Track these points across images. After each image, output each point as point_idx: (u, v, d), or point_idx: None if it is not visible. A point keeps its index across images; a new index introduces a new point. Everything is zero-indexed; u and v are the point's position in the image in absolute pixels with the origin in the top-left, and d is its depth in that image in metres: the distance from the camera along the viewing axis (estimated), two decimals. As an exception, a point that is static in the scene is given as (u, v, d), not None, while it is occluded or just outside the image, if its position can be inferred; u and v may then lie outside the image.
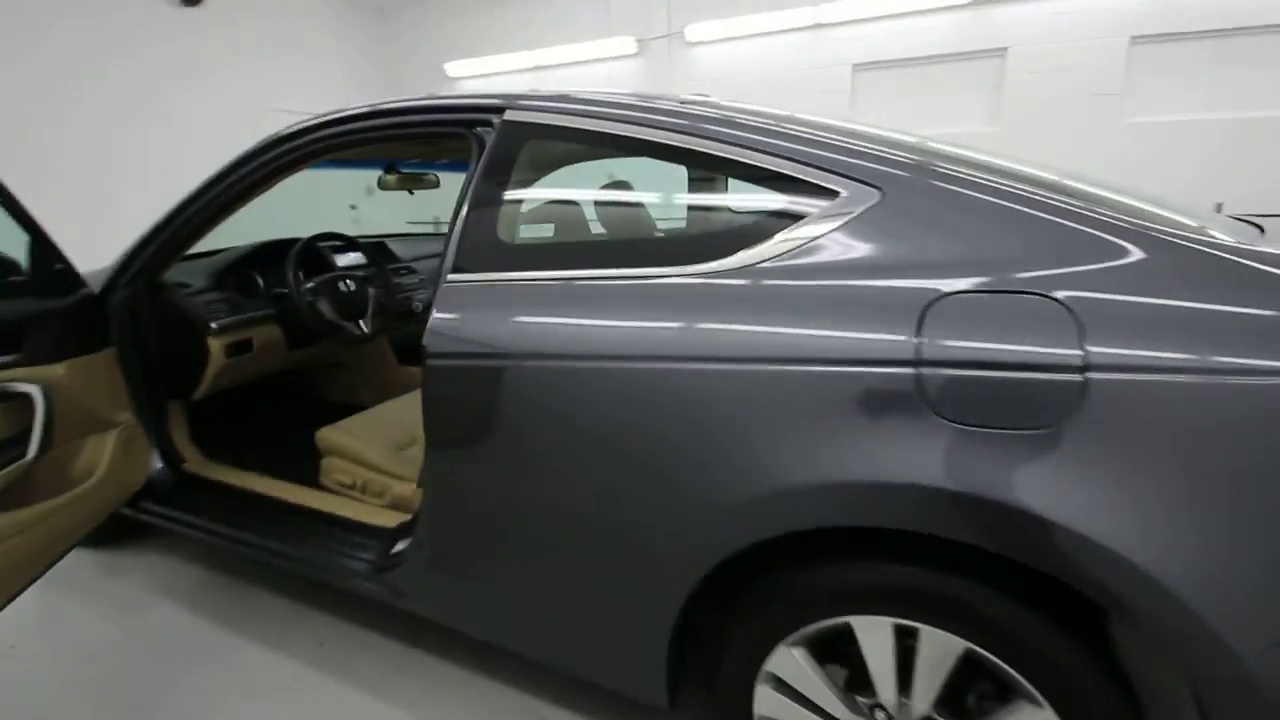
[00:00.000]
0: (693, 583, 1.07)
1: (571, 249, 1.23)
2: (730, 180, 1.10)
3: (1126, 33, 4.63)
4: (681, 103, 1.23)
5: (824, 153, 1.06)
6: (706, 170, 1.13)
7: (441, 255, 1.32)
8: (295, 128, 1.61)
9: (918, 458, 0.88)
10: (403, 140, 1.57)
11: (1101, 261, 0.88)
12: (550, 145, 1.28)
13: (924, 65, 5.19)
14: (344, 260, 2.40)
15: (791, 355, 0.95)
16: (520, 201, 1.30)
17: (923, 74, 5.23)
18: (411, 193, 2.35)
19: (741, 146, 1.09)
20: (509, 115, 1.31)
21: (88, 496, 1.59)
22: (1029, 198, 0.96)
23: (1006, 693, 0.96)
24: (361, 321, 2.15)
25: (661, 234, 1.27)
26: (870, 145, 1.07)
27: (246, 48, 5.87)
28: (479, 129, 1.36)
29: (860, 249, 0.99)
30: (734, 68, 5.69)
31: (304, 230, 2.31)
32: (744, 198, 1.10)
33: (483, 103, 1.36)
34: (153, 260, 1.84)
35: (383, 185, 2.29)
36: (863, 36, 5.28)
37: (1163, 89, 4.63)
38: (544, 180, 1.42)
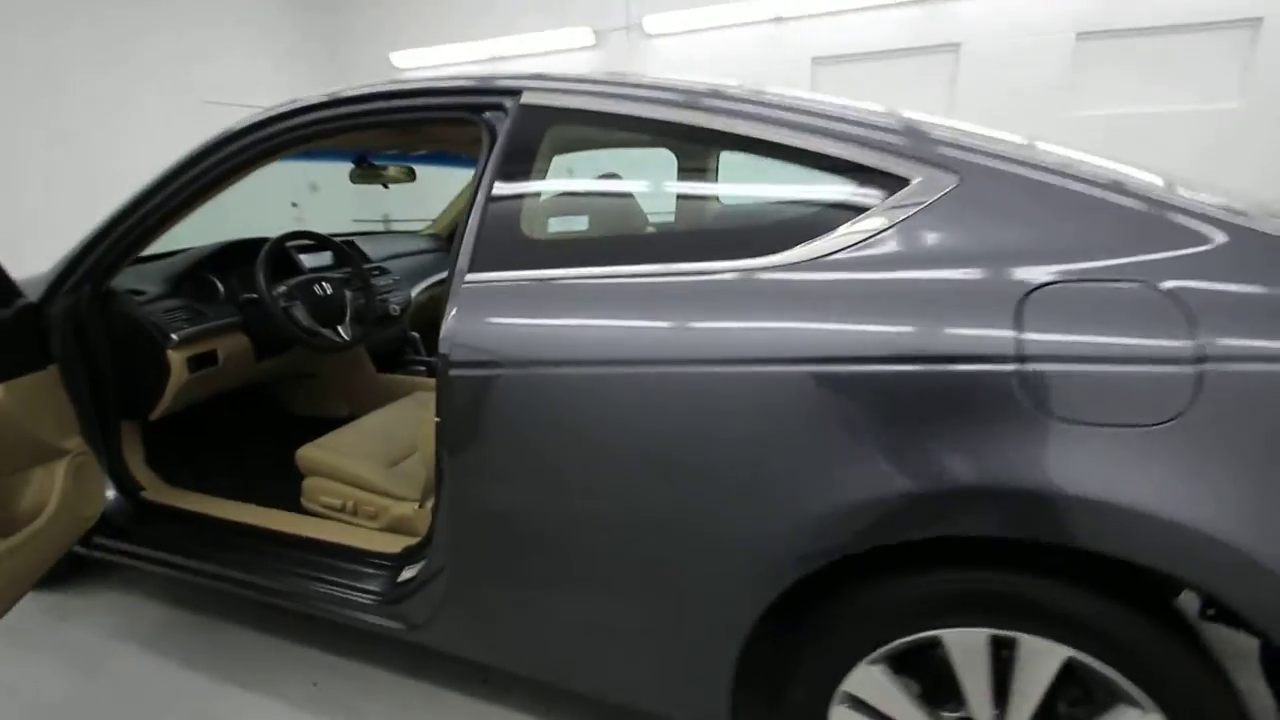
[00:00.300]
0: (766, 603, 0.98)
1: (609, 243, 1.12)
2: (788, 167, 1.01)
3: (1073, 29, 4.80)
4: (720, 86, 1.13)
5: (892, 137, 0.99)
6: (761, 157, 1.04)
7: (454, 253, 1.19)
8: (272, 113, 1.44)
9: (1027, 460, 0.82)
10: (398, 127, 1.42)
11: (1192, 247, 0.84)
12: (577, 130, 1.17)
13: (882, 59, 5.26)
14: (311, 262, 2.21)
15: (876, 354, 0.88)
16: (547, 192, 1.18)
17: (881, 68, 5.30)
18: (386, 186, 2.18)
19: (801, 131, 1.01)
20: (527, 98, 1.19)
21: (38, 537, 1.38)
22: (1108, 183, 0.91)
23: (1098, 698, 0.92)
24: (340, 327, 1.98)
25: (710, 227, 1.17)
26: (938, 129, 1.01)
27: (173, 29, 5.45)
28: (489, 114, 1.24)
29: (938, 238, 0.92)
30: (694, 61, 5.64)
31: (238, 230, 2.10)
32: (805, 186, 1.02)
33: (494, 84, 1.24)
34: (100, 264, 1.63)
35: (354, 179, 2.11)
36: (822, 30, 5.32)
37: (1108, 83, 4.82)
38: (571, 169, 1.31)
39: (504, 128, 1.20)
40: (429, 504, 1.57)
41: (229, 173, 1.51)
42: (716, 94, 1.08)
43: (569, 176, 1.28)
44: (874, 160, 0.98)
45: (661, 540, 1.02)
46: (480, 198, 1.18)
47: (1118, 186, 0.91)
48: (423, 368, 2.35)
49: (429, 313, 2.62)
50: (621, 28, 5.83)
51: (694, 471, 0.97)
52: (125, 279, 1.75)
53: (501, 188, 1.17)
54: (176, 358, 1.70)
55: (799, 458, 0.92)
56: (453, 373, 1.11)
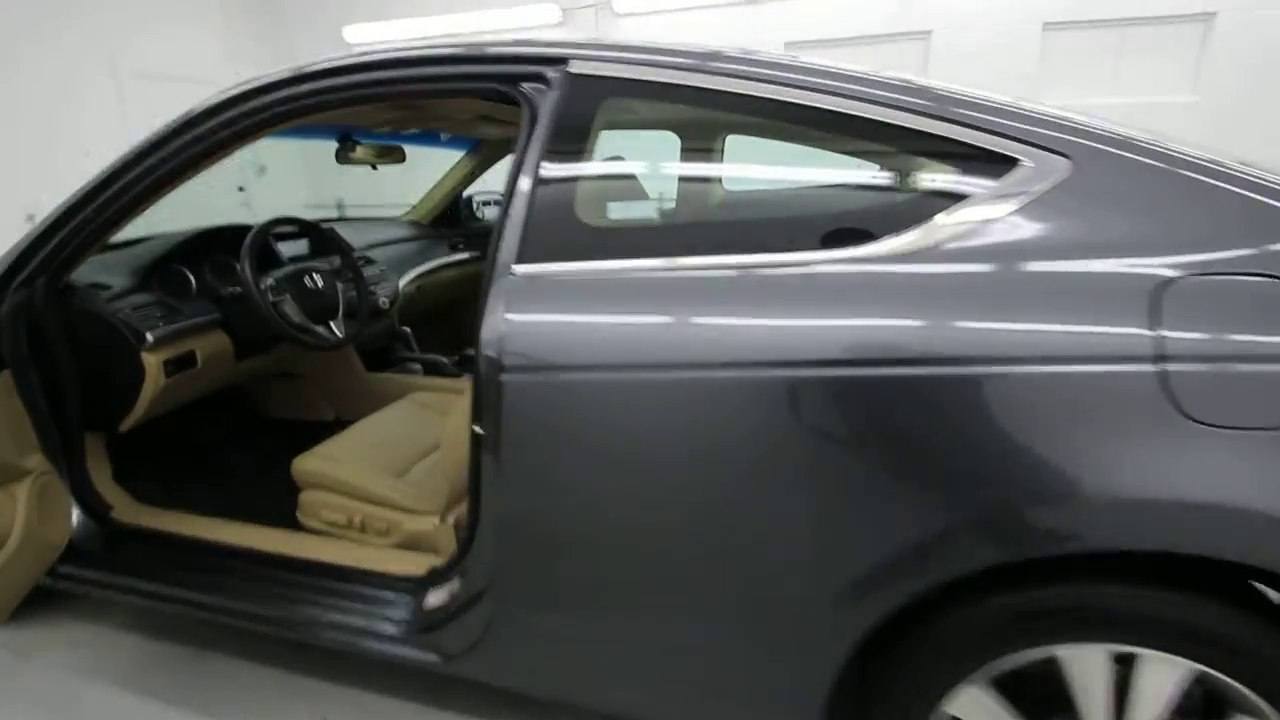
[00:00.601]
0: (873, 621, 0.91)
1: (683, 231, 1.02)
2: (885, 148, 0.93)
3: (1040, 19, 4.88)
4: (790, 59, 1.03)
5: (999, 118, 0.91)
6: (853, 137, 0.96)
7: (494, 242, 1.06)
8: (266, 82, 1.27)
9: (1174, 468, 0.76)
10: (414, 99, 1.28)
11: None
12: (636, 105, 1.06)
13: (855, 45, 5.24)
14: (287, 250, 2.02)
15: (1005, 355, 0.81)
16: (609, 174, 1.07)
17: (854, 54, 5.28)
18: (375, 168, 2.00)
19: (900, 109, 0.92)
20: (576, 67, 1.06)
21: (5, 569, 1.20)
22: (1228, 172, 0.86)
23: (1215, 710, 0.88)
24: (333, 324, 1.80)
25: (792, 213, 1.08)
26: (1042, 110, 0.94)
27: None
28: (528, 84, 1.11)
29: (1053, 226, 0.86)
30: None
31: (178, 218, 1.88)
32: (903, 168, 0.94)
33: (534, 52, 1.11)
34: (57, 255, 1.43)
35: (341, 159, 1.92)
36: (796, 14, 5.26)
37: (1072, 74, 4.93)
38: (630, 147, 1.19)
39: (548, 101, 1.07)
40: (451, 518, 1.44)
41: (210, 150, 1.33)
42: (794, 67, 0.98)
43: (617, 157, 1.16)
44: (979, 140, 0.90)
45: (764, 558, 0.93)
46: (525, 181, 1.05)
47: (1237, 176, 0.86)
48: (418, 366, 2.19)
49: (418, 305, 2.45)
50: (589, 5, 5.64)
51: (805, 483, 0.88)
52: (85, 271, 1.54)
53: (552, 169, 1.04)
54: (152, 361, 1.51)
55: (905, 468, 0.85)
56: (506, 378, 0.99)
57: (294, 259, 1.99)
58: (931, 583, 0.87)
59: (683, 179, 1.18)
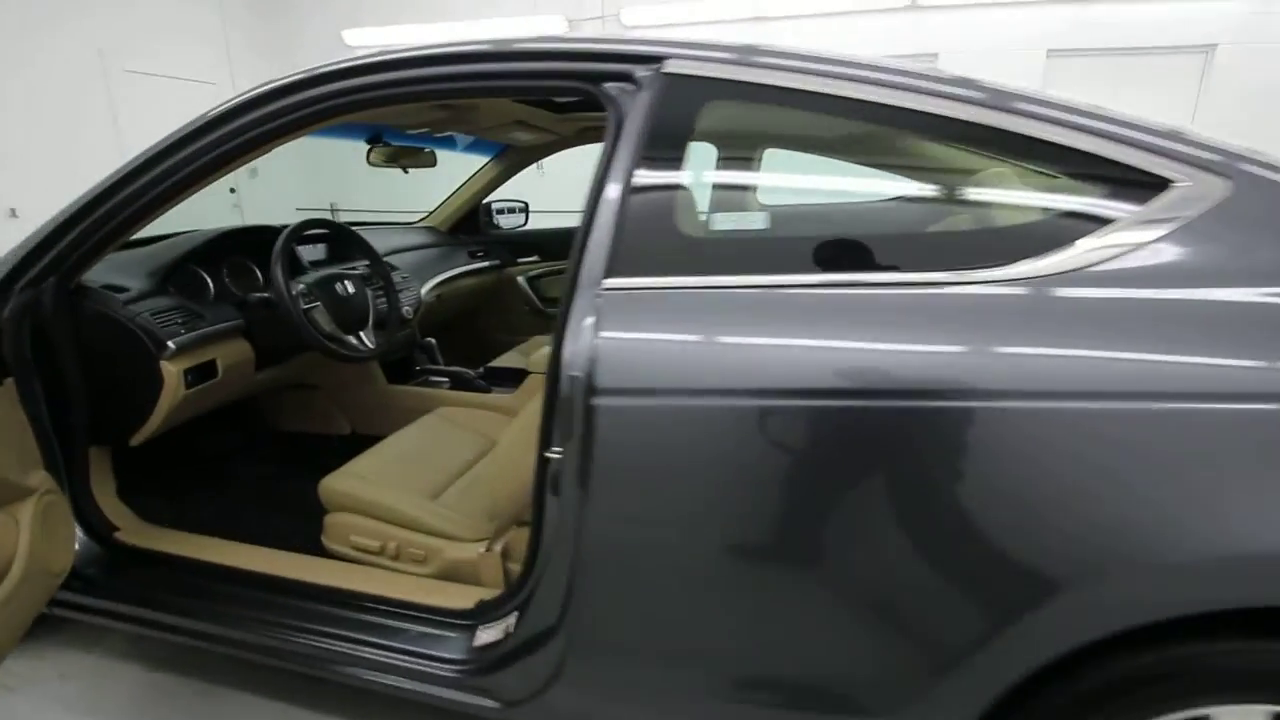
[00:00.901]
0: (1009, 682, 0.83)
1: (792, 245, 0.94)
2: (1027, 164, 0.87)
3: (1044, 45, 4.94)
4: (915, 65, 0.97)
5: (1151, 137, 0.85)
6: (990, 150, 0.89)
7: (577, 252, 0.98)
8: (314, 73, 1.17)
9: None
10: (478, 97, 1.19)
11: None
12: (745, 109, 0.98)
13: (862, 65, 5.27)
14: (309, 255, 1.91)
15: (1168, 390, 0.74)
16: (712, 183, 0.99)
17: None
18: (406, 171, 1.90)
19: (1046, 122, 0.86)
20: (673, 66, 0.99)
21: (8, 603, 1.07)
22: None
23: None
24: (363, 334, 1.69)
25: (916, 229, 1.01)
26: (1190, 131, 0.88)
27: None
28: (612, 85, 1.03)
29: (1214, 250, 0.79)
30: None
31: (172, 219, 1.74)
32: (1050, 184, 0.87)
33: (622, 49, 1.03)
34: (70, 254, 1.31)
35: (372, 160, 1.82)
36: (803, 32, 5.28)
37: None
38: (735, 155, 1.11)
39: (638, 103, 0.99)
40: (499, 547, 1.34)
41: (245, 147, 1.23)
42: (925, 75, 0.91)
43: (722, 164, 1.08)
44: (1133, 158, 0.84)
45: (891, 609, 0.84)
46: (614, 188, 0.96)
47: None
48: (445, 380, 2.07)
49: (437, 315, 2.34)
50: (596, 17, 5.61)
51: (952, 526, 0.80)
52: (96, 273, 1.41)
53: (647, 176, 0.96)
54: (172, 370, 1.39)
55: (1074, 513, 0.77)
56: (599, 401, 0.90)
57: (313, 264, 1.89)
58: (1092, 636, 0.79)
59: (795, 190, 1.10)
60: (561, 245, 2.96)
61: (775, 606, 0.88)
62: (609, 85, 1.03)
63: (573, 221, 1.01)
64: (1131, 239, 0.81)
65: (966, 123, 0.87)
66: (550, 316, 2.90)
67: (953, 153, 0.91)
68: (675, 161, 0.97)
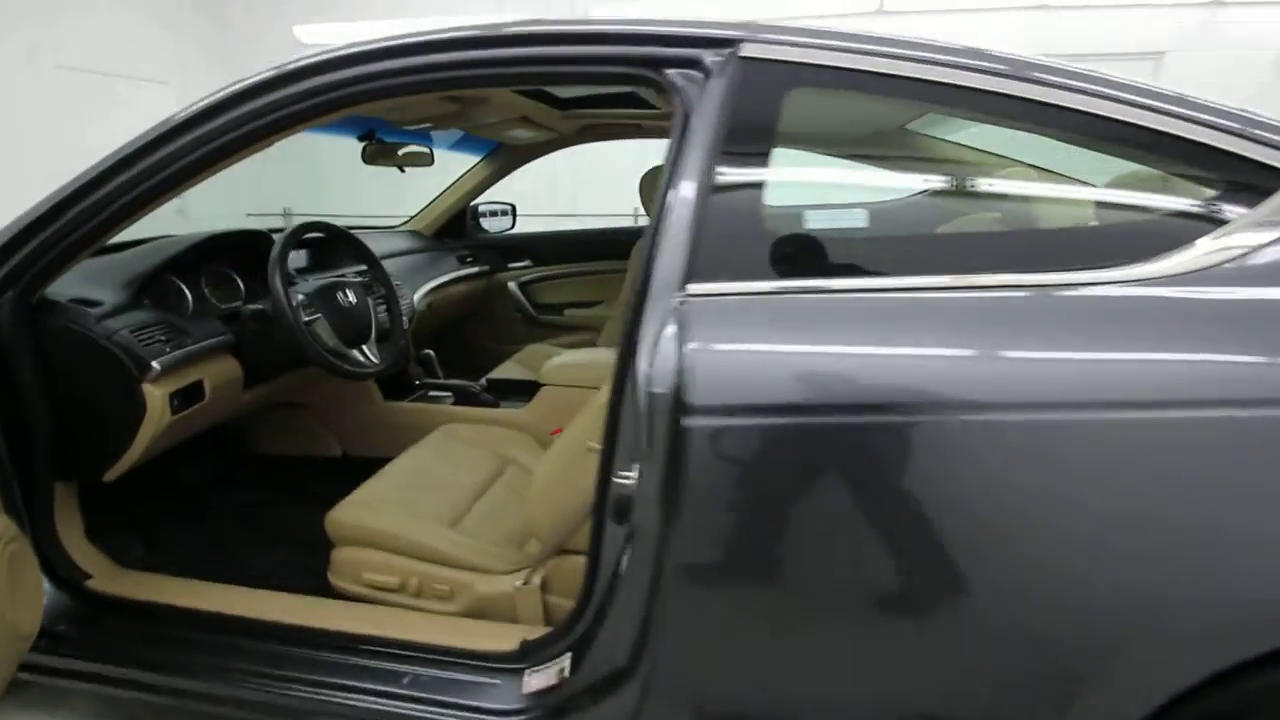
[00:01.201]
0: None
1: (899, 246, 0.86)
2: (1145, 155, 0.81)
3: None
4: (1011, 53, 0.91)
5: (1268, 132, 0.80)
6: (1106, 143, 0.83)
7: (648, 255, 0.88)
8: (326, 58, 1.04)
9: None
10: (524, 85, 1.08)
11: None
12: (838, 97, 0.90)
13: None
14: (292, 262, 1.74)
15: None
16: (803, 180, 0.91)
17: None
18: (403, 170, 1.76)
19: (1165, 115, 0.80)
20: (750, 51, 0.90)
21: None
22: None
23: None
24: (365, 347, 1.54)
25: (1025, 227, 0.94)
26: None
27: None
28: (677, 71, 0.93)
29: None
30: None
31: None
32: (1170, 175, 0.82)
33: (694, 32, 0.93)
34: (32, 264, 1.14)
35: (367, 159, 1.67)
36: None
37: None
38: (823, 148, 1.02)
39: (710, 92, 0.90)
40: (538, 579, 1.22)
41: (240, 142, 1.09)
42: (1028, 63, 0.85)
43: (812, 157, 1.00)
44: (1252, 152, 0.79)
45: (1011, 623, 0.77)
46: (688, 186, 0.87)
47: None
48: (448, 394, 1.93)
49: (428, 325, 2.19)
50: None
51: (1078, 537, 0.73)
52: (63, 284, 1.24)
53: (727, 173, 0.87)
54: (156, 394, 1.22)
55: (1217, 527, 0.71)
56: (692, 422, 0.79)
57: (298, 272, 1.73)
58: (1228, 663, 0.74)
59: (894, 187, 1.03)
60: (555, 249, 2.86)
61: (925, 646, 0.80)
62: (673, 72, 0.94)
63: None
64: (1255, 239, 0.76)
65: (1086, 114, 0.81)
66: (544, 324, 2.78)
67: (1067, 145, 0.85)
68: (758, 157, 0.88)
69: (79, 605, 1.27)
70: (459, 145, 2.41)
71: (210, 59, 5.73)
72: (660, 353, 0.81)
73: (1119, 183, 0.89)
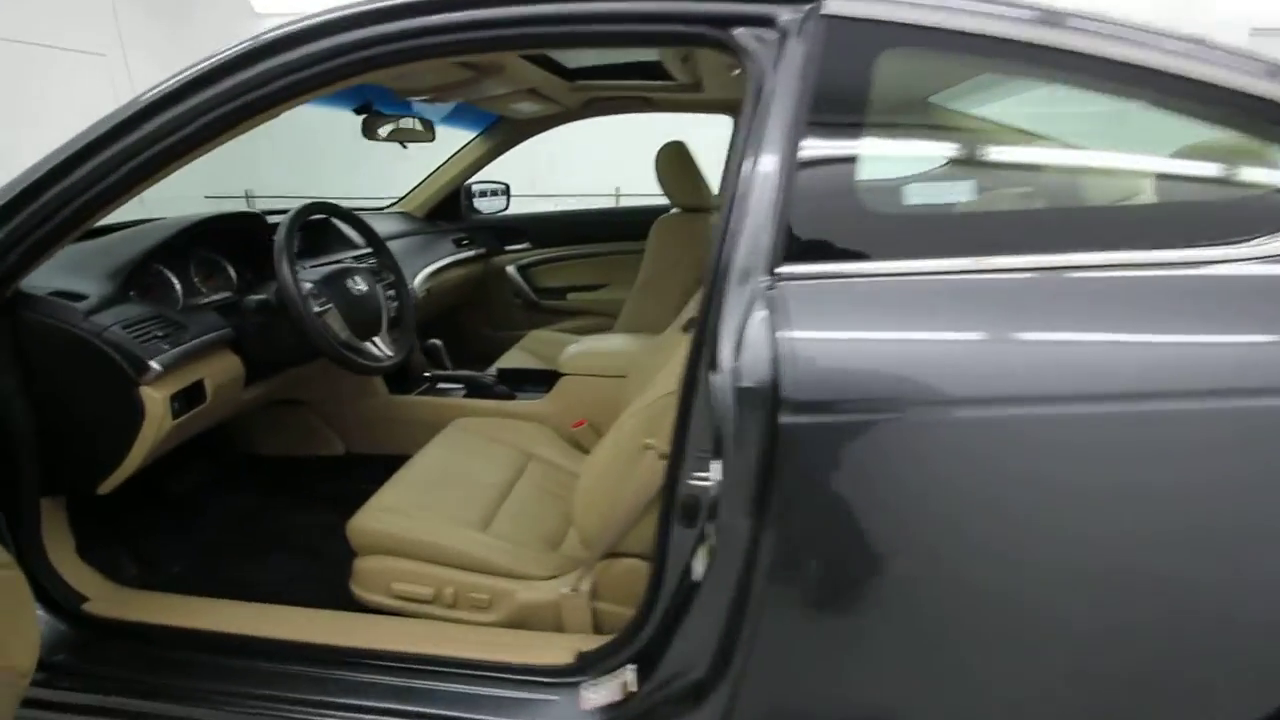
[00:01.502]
0: None
1: (1018, 220, 0.80)
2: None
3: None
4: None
5: None
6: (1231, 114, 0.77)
7: (721, 235, 0.80)
8: (346, 14, 0.92)
9: None
10: (568, 46, 0.99)
11: None
12: (938, 60, 0.82)
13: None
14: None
15: None
16: (900, 151, 0.84)
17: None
18: (404, 146, 1.63)
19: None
20: (834, 8, 0.81)
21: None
22: None
23: None
24: (377, 339, 1.43)
25: (1136, 203, 0.87)
26: None
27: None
28: (746, 30, 0.85)
29: None
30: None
31: None
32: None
33: None
34: (6, 255, 1.00)
35: (367, 132, 1.54)
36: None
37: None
38: (921, 117, 0.94)
39: (789, 54, 0.81)
40: (586, 584, 1.15)
41: (241, 113, 0.96)
42: (1154, 31, 0.79)
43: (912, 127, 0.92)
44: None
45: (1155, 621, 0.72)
46: (770, 159, 0.79)
47: None
48: (459, 386, 1.81)
49: (427, 312, 2.06)
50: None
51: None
52: (41, 276, 1.10)
53: (819, 145, 0.79)
54: (155, 397, 1.10)
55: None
56: (790, 420, 0.72)
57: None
58: None
59: (1003, 161, 0.95)
60: (556, 230, 2.73)
61: (1072, 667, 0.75)
62: (743, 31, 0.85)
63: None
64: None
65: (1211, 85, 0.75)
66: (546, 310, 2.67)
67: (1185, 115, 0.79)
68: (850, 127, 0.80)
69: (77, 631, 1.15)
70: (450, 119, 2.27)
71: (153, 30, 5.37)
72: (749, 342, 0.73)
73: (1229, 155, 0.83)
